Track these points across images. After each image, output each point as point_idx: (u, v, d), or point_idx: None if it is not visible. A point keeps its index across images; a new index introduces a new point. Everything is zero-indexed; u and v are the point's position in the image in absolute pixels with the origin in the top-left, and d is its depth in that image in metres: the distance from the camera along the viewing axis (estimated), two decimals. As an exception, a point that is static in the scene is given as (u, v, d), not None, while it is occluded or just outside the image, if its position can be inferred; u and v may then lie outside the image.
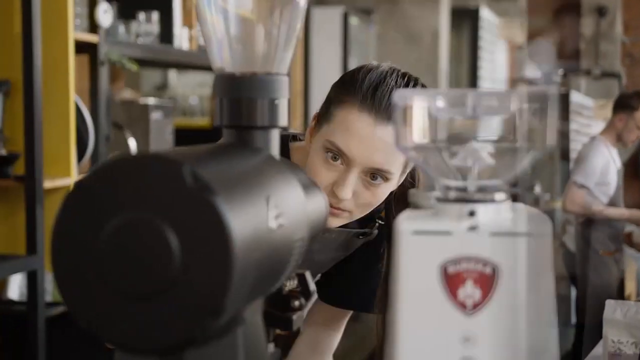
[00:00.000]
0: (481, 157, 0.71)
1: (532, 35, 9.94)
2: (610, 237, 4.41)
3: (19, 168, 2.38)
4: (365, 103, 1.21)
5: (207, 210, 0.60)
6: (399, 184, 1.31)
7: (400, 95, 0.71)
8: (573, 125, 6.98)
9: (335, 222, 1.28)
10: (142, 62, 3.11)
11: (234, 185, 0.65)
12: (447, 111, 0.71)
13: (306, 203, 0.79)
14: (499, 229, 0.68)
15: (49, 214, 2.35)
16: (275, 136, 0.82)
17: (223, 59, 0.82)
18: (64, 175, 2.47)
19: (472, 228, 0.68)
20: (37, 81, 2.32)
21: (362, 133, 1.21)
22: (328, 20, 5.10)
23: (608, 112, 8.53)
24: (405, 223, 0.69)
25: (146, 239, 0.60)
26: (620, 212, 4.45)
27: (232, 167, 0.68)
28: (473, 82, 7.41)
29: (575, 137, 7.21)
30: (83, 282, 0.62)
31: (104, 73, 2.65)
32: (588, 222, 4.35)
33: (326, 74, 4.96)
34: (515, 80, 9.09)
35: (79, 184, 0.62)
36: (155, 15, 3.00)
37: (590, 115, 7.78)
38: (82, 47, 2.61)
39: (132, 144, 2.91)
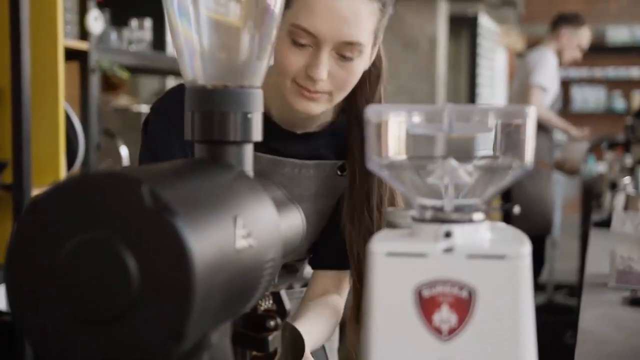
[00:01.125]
0: (458, 175, 0.68)
1: (531, 44, 9.94)
2: (547, 150, 4.50)
3: (6, 176, 2.35)
4: None
5: (166, 232, 0.57)
6: (372, 60, 1.29)
7: (374, 111, 0.68)
8: (480, 50, 7.11)
9: (316, 107, 1.25)
10: (135, 70, 3.08)
11: (198, 205, 0.62)
12: (422, 127, 0.68)
13: (279, 221, 0.76)
14: (475, 250, 0.65)
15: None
16: (248, 151, 0.79)
17: (195, 70, 0.79)
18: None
19: (448, 250, 0.65)
20: (25, 88, 2.30)
21: (324, 8, 1.18)
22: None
23: (511, 39, 8.56)
24: (379, 244, 0.67)
25: (103, 261, 0.58)
26: (568, 125, 4.75)
27: (197, 186, 0.66)
28: (472, 89, 7.38)
29: (479, 61, 7.28)
30: (38, 304, 0.59)
31: (94, 80, 2.62)
32: None
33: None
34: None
35: (35, 202, 0.60)
36: (147, 22, 2.98)
37: (495, 40, 7.87)
38: (73, 54, 2.58)
39: (124, 152, 2.88)
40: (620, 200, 2.90)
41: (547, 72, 4.34)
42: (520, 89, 4.48)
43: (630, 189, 2.96)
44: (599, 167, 8.68)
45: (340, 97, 1.25)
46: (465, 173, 0.68)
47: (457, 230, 0.66)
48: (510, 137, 0.67)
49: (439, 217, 0.68)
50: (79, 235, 0.58)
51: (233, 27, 0.79)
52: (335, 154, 1.37)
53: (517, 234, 0.70)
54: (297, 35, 1.19)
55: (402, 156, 0.69)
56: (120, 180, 0.59)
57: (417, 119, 0.68)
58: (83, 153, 2.57)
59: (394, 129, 0.68)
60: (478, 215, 0.68)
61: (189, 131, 0.79)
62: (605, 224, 2.71)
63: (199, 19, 0.78)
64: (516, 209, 0.64)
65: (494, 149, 0.69)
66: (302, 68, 1.21)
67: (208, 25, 0.78)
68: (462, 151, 0.71)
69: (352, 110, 1.33)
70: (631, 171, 3.70)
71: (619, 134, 8.72)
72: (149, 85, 4.54)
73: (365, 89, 1.32)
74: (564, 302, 5.28)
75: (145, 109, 3.08)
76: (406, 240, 0.68)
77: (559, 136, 4.54)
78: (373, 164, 0.69)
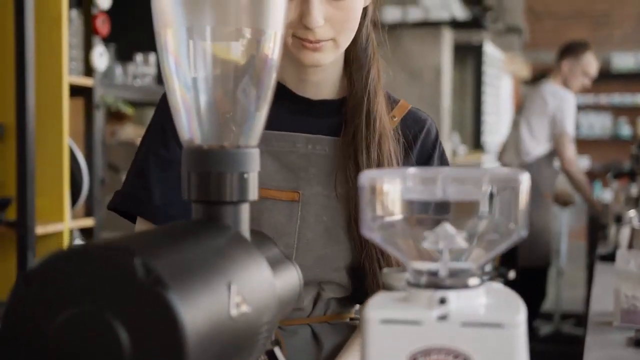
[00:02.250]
0: (453, 240, 0.68)
1: (537, 70, 9.97)
2: (550, 180, 4.48)
3: (10, 213, 2.36)
4: None
5: (159, 305, 0.57)
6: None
7: (367, 177, 0.68)
8: (485, 78, 7.12)
9: (323, 57, 1.17)
10: (140, 103, 3.10)
11: (192, 274, 0.62)
12: (417, 192, 0.68)
13: (275, 282, 0.76)
14: (470, 318, 0.65)
15: (40, 260, 2.32)
16: (245, 211, 0.79)
17: (191, 130, 0.79)
18: (57, 220, 2.44)
19: (443, 317, 0.65)
20: (30, 125, 2.31)
21: None
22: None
23: (516, 66, 8.59)
24: (374, 311, 0.66)
25: (96, 334, 0.58)
26: (595, 199, 4.71)
27: (191, 253, 0.66)
28: (477, 117, 7.39)
29: (485, 88, 7.29)
30: (31, 376, 0.59)
31: (99, 116, 2.64)
32: (534, 163, 4.41)
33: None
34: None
35: (28, 274, 0.60)
36: (152, 57, 3.00)
37: (500, 67, 7.89)
38: (78, 90, 2.59)
39: (128, 186, 2.88)
40: (625, 234, 2.89)
41: (573, 117, 4.37)
42: (541, 130, 4.42)
43: (636, 222, 2.95)
44: (605, 195, 8.67)
45: (345, 40, 1.17)
46: (461, 238, 0.68)
47: (452, 296, 0.66)
48: (504, 202, 0.67)
49: (434, 283, 0.67)
50: (71, 307, 0.58)
51: (230, 87, 0.80)
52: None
53: (513, 298, 0.69)
54: None
55: (396, 220, 0.69)
56: (113, 252, 0.59)
57: (410, 184, 0.68)
58: (87, 189, 2.57)
59: (387, 195, 0.68)
60: (473, 281, 0.68)
61: (186, 190, 0.79)
62: (611, 257, 2.70)
63: (196, 79, 0.79)
64: (511, 275, 0.63)
65: (489, 214, 0.68)
66: (297, 19, 1.13)
67: (205, 85, 0.78)
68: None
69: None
70: (636, 202, 3.68)
71: (625, 161, 8.73)
72: (155, 115, 4.54)
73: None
74: (571, 332, 5.25)
75: (149, 142, 3.08)
76: (400, 306, 0.67)
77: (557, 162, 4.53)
78: (366, 228, 0.69)
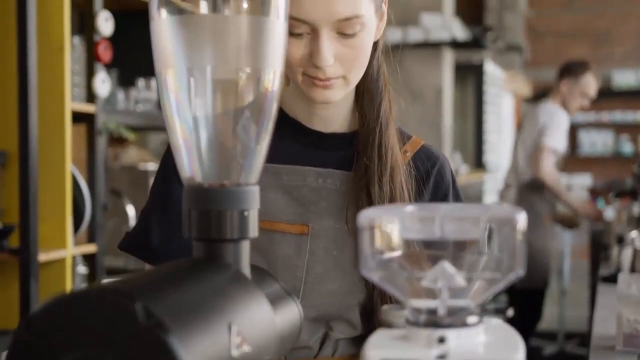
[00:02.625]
0: (452, 279, 0.68)
1: (538, 88, 10.00)
2: (549, 204, 4.47)
3: (13, 240, 2.36)
4: None
5: (160, 349, 0.58)
6: (382, 29, 1.21)
7: (366, 216, 0.69)
8: (486, 97, 7.12)
9: (334, 95, 1.16)
10: (142, 128, 3.11)
11: (192, 317, 0.62)
12: (414, 231, 0.69)
13: (275, 319, 0.76)
14: (470, 357, 0.65)
15: (43, 288, 2.32)
16: (245, 248, 0.80)
17: (192, 169, 0.80)
18: (60, 247, 2.45)
19: (442, 357, 0.65)
20: (33, 152, 2.32)
21: None
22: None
23: (517, 84, 8.60)
24: (373, 350, 0.67)
25: (97, 378, 0.58)
26: (576, 203, 4.67)
27: (192, 294, 0.66)
28: (478, 136, 7.40)
29: (486, 107, 7.29)
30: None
31: (101, 142, 2.65)
32: (531, 185, 4.39)
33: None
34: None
35: (29, 319, 0.60)
36: (154, 82, 3.02)
37: (501, 85, 7.90)
38: (80, 117, 2.61)
39: (131, 211, 2.89)
40: (627, 255, 2.88)
41: (560, 133, 4.36)
42: (532, 148, 4.47)
43: (638, 244, 2.95)
44: (607, 213, 8.65)
45: (355, 77, 1.16)
46: (459, 277, 0.68)
47: (451, 335, 0.67)
48: (502, 240, 0.67)
49: (433, 321, 0.68)
50: (73, 352, 0.59)
51: (230, 125, 0.81)
52: None
53: (511, 336, 0.70)
54: (291, 27, 1.11)
55: (395, 259, 0.70)
56: (114, 296, 0.59)
57: (409, 222, 0.68)
58: (89, 215, 2.58)
59: (386, 234, 0.69)
60: (472, 319, 0.68)
61: (187, 228, 0.79)
62: (613, 279, 2.70)
63: (196, 118, 0.79)
64: (510, 312, 0.64)
65: (487, 252, 0.69)
66: (307, 58, 1.12)
67: (205, 123, 0.79)
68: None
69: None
70: (638, 222, 3.68)
71: (627, 178, 8.73)
72: (157, 138, 4.57)
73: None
74: (575, 352, 5.23)
75: (152, 167, 3.10)
76: (400, 345, 0.68)
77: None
78: (365, 267, 0.70)
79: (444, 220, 0.68)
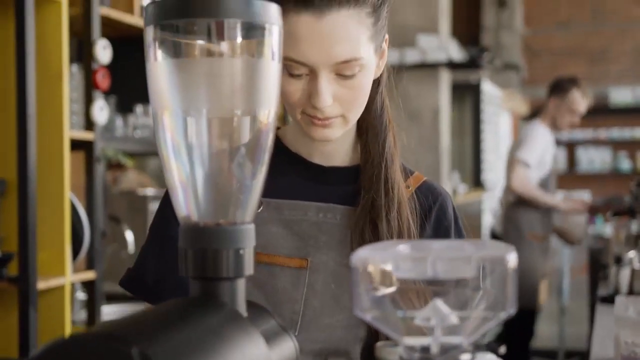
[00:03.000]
0: (445, 317, 0.69)
1: (535, 106, 10.04)
2: (539, 222, 4.42)
3: (12, 269, 2.37)
4: (306, 0, 1.11)
5: (156, 393, 0.58)
6: (382, 68, 1.21)
7: (359, 258, 0.70)
8: (483, 116, 7.13)
9: (332, 133, 1.16)
10: (141, 154, 3.13)
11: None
12: (407, 271, 0.70)
13: (271, 356, 0.77)
14: (463, 395, 0.66)
15: (42, 316, 2.33)
16: (241, 286, 0.81)
17: (188, 208, 0.81)
18: (59, 274, 2.45)
19: (436, 395, 0.66)
20: (31, 181, 2.33)
21: (308, 33, 1.10)
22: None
23: (514, 102, 8.62)
24: (367, 389, 0.68)
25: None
26: (557, 201, 4.58)
27: (188, 336, 0.67)
28: (476, 155, 7.42)
29: (483, 126, 7.30)
30: None
31: (99, 169, 2.66)
32: (518, 203, 4.39)
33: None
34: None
35: (28, 363, 0.61)
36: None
37: (498, 104, 7.92)
38: (78, 144, 2.62)
39: (130, 237, 2.90)
40: (625, 275, 2.89)
41: (534, 147, 4.35)
42: (508, 160, 4.53)
43: (636, 264, 2.95)
44: (606, 229, 8.66)
45: (354, 116, 1.17)
46: (452, 315, 0.69)
47: (445, 373, 0.67)
48: (494, 279, 0.68)
49: (426, 359, 0.69)
50: (71, 396, 0.60)
51: (225, 165, 0.82)
52: None
53: (504, 373, 0.70)
54: (290, 68, 1.12)
55: (388, 298, 0.71)
56: (111, 342, 0.60)
57: (401, 263, 0.69)
58: (88, 242, 2.59)
59: (379, 274, 0.70)
60: (465, 356, 0.69)
61: (183, 267, 0.80)
62: (611, 299, 2.70)
63: (192, 158, 0.81)
64: (502, 349, 0.64)
65: (479, 291, 0.70)
66: (306, 98, 1.14)
67: (201, 163, 0.80)
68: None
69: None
70: (636, 241, 3.68)
71: (626, 195, 8.76)
72: (156, 162, 4.59)
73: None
74: (575, 371, 5.23)
75: (151, 192, 3.11)
76: (394, 384, 0.69)
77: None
78: (358, 307, 0.70)
79: (436, 259, 0.69)
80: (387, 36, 1.22)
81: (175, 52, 0.79)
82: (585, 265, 6.30)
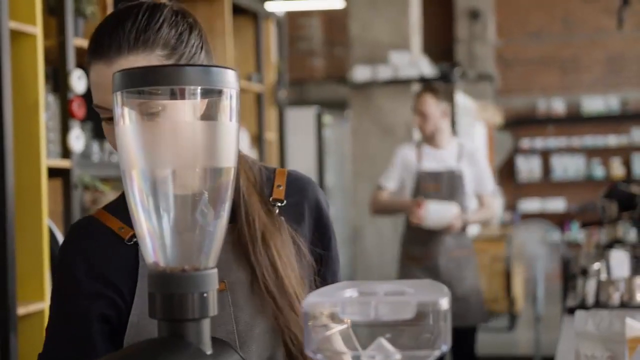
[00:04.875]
0: (389, 354, 0.77)
1: (509, 116, 10.18)
2: (413, 242, 4.10)
3: (-9, 295, 2.42)
4: (96, 50, 1.17)
5: None
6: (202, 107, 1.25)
7: (308, 302, 0.77)
8: (458, 127, 7.18)
9: None
10: (117, 178, 3.19)
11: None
12: (353, 315, 0.78)
13: (233, 391, 0.85)
14: None
15: (23, 341, 2.38)
16: (206, 325, 0.88)
17: (156, 255, 0.89)
18: (38, 299, 2.51)
19: None
20: (10, 209, 2.39)
21: (100, 80, 1.16)
22: (303, 120, 5.24)
23: (488, 113, 8.73)
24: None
25: None
26: (400, 202, 4.13)
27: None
28: (451, 166, 7.51)
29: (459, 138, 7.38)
30: None
31: (76, 196, 2.72)
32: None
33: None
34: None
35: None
36: (128, 133, 3.10)
37: (473, 115, 8.03)
38: (56, 172, 2.68)
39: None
40: (591, 286, 2.97)
41: (390, 170, 4.14)
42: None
43: (602, 275, 3.03)
44: (580, 236, 8.78)
45: None
46: (395, 352, 0.77)
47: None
48: (429, 322, 0.76)
49: (372, 394, 0.76)
50: None
51: (189, 216, 0.89)
52: None
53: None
54: (100, 113, 1.19)
55: (336, 339, 0.79)
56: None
57: (348, 308, 0.77)
58: (67, 266, 2.64)
59: (327, 317, 0.77)
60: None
61: (152, 310, 0.88)
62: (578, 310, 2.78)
63: (159, 210, 0.88)
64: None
65: (417, 330, 0.78)
66: None
67: (166, 215, 0.88)
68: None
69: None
70: (604, 252, 3.78)
71: (599, 202, 8.92)
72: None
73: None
74: (551, 378, 5.31)
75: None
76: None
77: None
78: (309, 347, 0.78)
79: (379, 304, 0.77)
80: None
81: (141, 116, 0.87)
82: (557, 273, 6.41)
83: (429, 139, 4.05)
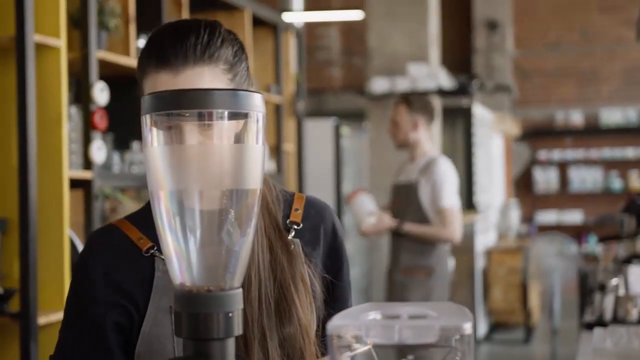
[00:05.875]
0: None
1: (527, 128, 10.16)
2: (422, 253, 4.00)
3: (14, 305, 2.45)
4: (160, 59, 1.18)
5: None
6: None
7: (334, 326, 0.79)
8: (475, 139, 7.15)
9: None
10: (137, 187, 3.22)
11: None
12: (377, 337, 0.79)
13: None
14: None
15: (43, 350, 2.40)
16: (231, 345, 0.90)
17: (182, 275, 0.90)
18: (59, 309, 2.53)
19: None
20: (32, 220, 2.42)
21: (166, 86, 1.17)
22: (321, 131, 5.26)
23: (506, 125, 8.68)
24: None
25: None
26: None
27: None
28: (469, 178, 7.51)
29: (475, 149, 7.38)
30: None
31: (97, 207, 2.75)
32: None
33: (320, 184, 5.10)
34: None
35: None
36: (148, 144, 3.13)
37: (490, 126, 8.00)
38: (77, 183, 2.71)
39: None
40: (609, 302, 2.96)
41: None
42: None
43: (621, 290, 3.02)
44: (597, 249, 8.74)
45: None
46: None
47: None
48: (451, 347, 0.77)
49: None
50: None
51: (215, 237, 0.91)
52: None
53: None
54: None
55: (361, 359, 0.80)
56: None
57: (372, 330, 0.79)
58: (87, 276, 2.67)
59: (352, 339, 0.79)
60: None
61: (178, 329, 0.89)
62: (596, 325, 2.77)
63: (186, 232, 0.90)
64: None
65: (442, 352, 0.79)
66: None
67: (193, 237, 0.90)
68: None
69: None
70: (621, 267, 3.76)
71: (617, 214, 8.85)
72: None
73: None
74: (568, 393, 5.29)
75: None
76: None
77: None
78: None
79: (403, 327, 0.78)
80: None
81: (169, 139, 0.89)
82: (575, 285, 6.38)
83: (408, 150, 4.06)
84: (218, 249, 0.91)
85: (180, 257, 0.90)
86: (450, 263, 4.14)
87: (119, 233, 1.28)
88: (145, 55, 1.21)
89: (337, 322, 0.79)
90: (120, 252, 1.26)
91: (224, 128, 0.88)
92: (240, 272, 0.91)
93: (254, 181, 0.90)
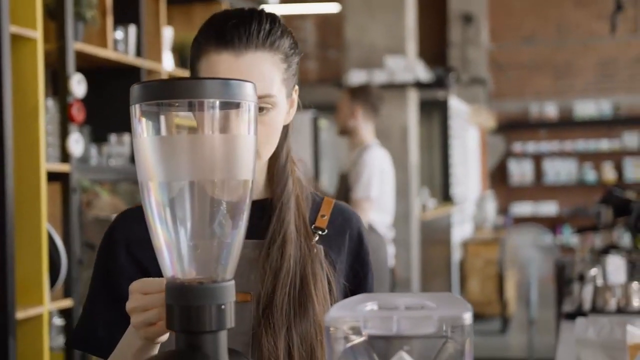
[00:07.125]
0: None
1: (502, 120, 10.21)
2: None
3: (-9, 299, 2.41)
4: (222, 40, 1.19)
5: None
6: (292, 115, 1.28)
7: (332, 318, 0.77)
8: (451, 131, 7.20)
9: None
10: (115, 181, 3.19)
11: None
12: (374, 328, 0.78)
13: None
14: None
15: (21, 344, 2.37)
16: (223, 337, 0.88)
17: (173, 268, 0.89)
18: (37, 304, 2.50)
19: None
20: (9, 213, 2.38)
21: (227, 70, 1.18)
22: (298, 124, 5.22)
23: (481, 117, 8.74)
24: None
25: None
26: None
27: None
28: (445, 170, 7.54)
29: (451, 141, 7.43)
30: None
31: (75, 199, 2.71)
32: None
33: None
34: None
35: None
36: (126, 137, 3.10)
37: (466, 119, 8.06)
38: (55, 176, 2.68)
39: (105, 264, 2.94)
40: (588, 292, 2.97)
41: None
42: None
43: (599, 281, 3.04)
44: (573, 240, 8.81)
45: (266, 153, 1.23)
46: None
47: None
48: (452, 336, 0.77)
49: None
50: None
51: (206, 229, 0.89)
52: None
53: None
54: None
55: (358, 351, 0.79)
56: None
57: (370, 321, 0.77)
58: (65, 270, 2.64)
59: (349, 331, 0.78)
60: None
61: (170, 322, 0.88)
62: (575, 316, 2.78)
63: (176, 223, 0.88)
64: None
65: (440, 343, 0.78)
66: None
67: (184, 228, 0.88)
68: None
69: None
70: (599, 258, 3.79)
71: (591, 205, 8.93)
72: (128, 186, 4.63)
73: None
74: (544, 382, 5.33)
75: (125, 218, 3.15)
76: None
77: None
78: (332, 359, 0.78)
79: (401, 318, 0.77)
80: (297, 87, 1.30)
81: (159, 129, 0.87)
82: (552, 276, 6.42)
83: (348, 137, 4.09)
84: (210, 241, 0.89)
85: (171, 249, 0.88)
86: (390, 250, 4.07)
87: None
88: (204, 36, 1.22)
89: (335, 314, 0.78)
90: (143, 231, 1.24)
91: (215, 117, 0.86)
92: (233, 264, 0.90)
93: (246, 171, 0.88)
